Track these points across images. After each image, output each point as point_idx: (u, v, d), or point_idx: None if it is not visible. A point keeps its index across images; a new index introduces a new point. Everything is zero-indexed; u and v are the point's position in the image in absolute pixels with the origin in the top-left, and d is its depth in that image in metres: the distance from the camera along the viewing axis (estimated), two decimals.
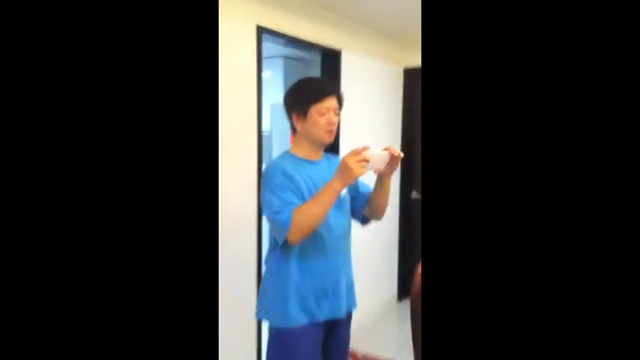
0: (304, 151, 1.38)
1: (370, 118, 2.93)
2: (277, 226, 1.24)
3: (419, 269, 1.37)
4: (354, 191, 1.47)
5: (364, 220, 1.52)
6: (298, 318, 1.32)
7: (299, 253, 1.33)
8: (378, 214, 1.47)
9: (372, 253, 3.12)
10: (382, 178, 1.35)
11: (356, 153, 1.20)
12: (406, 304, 3.48)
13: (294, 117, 1.35)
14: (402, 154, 1.26)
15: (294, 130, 1.40)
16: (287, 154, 1.39)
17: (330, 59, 2.65)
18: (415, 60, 3.38)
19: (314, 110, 1.32)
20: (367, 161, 1.21)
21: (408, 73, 3.42)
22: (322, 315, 1.35)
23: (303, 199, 1.28)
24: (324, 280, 1.35)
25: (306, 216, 1.21)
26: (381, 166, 1.28)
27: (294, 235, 1.22)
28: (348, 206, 1.45)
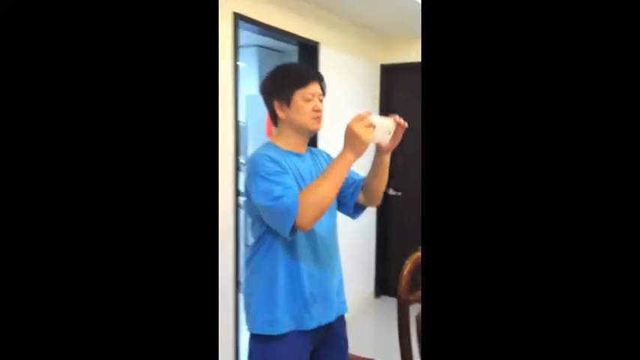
0: (289, 142, 1.27)
1: (347, 113, 2.88)
2: (281, 213, 1.10)
3: (405, 269, 1.34)
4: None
5: (356, 211, 1.40)
6: (285, 324, 1.22)
7: (285, 255, 1.22)
8: (374, 199, 1.36)
9: (350, 249, 3.09)
10: (382, 155, 1.24)
11: (361, 118, 1.11)
12: (384, 301, 3.47)
13: (277, 105, 1.25)
14: (406, 125, 1.17)
15: (274, 120, 1.30)
16: (270, 145, 1.28)
17: (308, 52, 2.59)
18: (392, 56, 3.37)
19: (298, 96, 1.22)
20: (373, 126, 1.11)
21: (385, 70, 3.41)
22: (311, 321, 1.25)
23: (298, 188, 1.17)
24: (313, 283, 1.25)
25: (316, 195, 1.09)
26: (386, 137, 1.18)
27: (306, 218, 1.09)
28: (334, 205, 1.34)
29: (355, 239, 3.17)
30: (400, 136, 1.19)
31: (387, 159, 1.26)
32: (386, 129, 1.16)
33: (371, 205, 1.39)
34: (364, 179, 1.34)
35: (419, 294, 1.34)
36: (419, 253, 1.36)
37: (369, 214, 3.34)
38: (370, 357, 2.57)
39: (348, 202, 1.36)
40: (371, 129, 1.11)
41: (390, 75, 3.42)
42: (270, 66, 1.39)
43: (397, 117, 1.17)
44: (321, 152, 1.41)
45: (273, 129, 1.35)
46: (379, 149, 1.24)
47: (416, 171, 3.31)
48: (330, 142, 1.35)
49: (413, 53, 3.27)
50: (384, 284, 3.54)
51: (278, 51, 3.79)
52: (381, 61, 3.39)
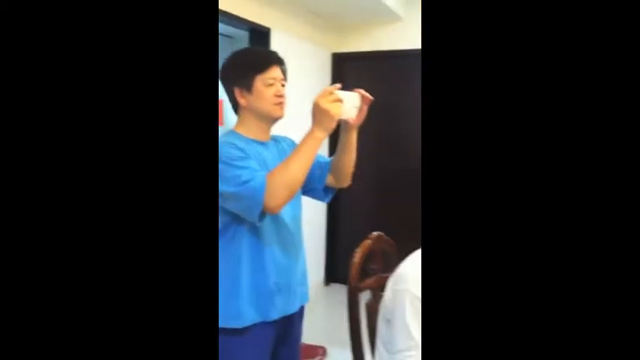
0: (252, 130, 1.23)
1: (298, 101, 2.87)
2: (249, 197, 1.06)
3: (356, 257, 1.36)
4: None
5: (326, 194, 1.38)
6: (249, 317, 1.18)
7: (250, 244, 1.19)
8: (345, 179, 1.33)
9: None
10: (349, 132, 1.22)
11: (328, 92, 1.08)
12: (333, 289, 3.51)
13: (237, 91, 1.20)
14: (372, 98, 1.16)
15: (235, 108, 1.26)
16: (232, 134, 1.23)
17: (259, 38, 2.55)
18: (344, 45, 3.37)
19: (259, 82, 1.19)
20: (340, 101, 1.09)
21: (337, 58, 3.41)
22: (275, 312, 1.22)
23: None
24: (277, 272, 1.22)
25: (286, 175, 1.06)
26: (353, 112, 1.16)
27: (275, 199, 1.05)
28: (298, 191, 1.31)
29: (305, 227, 3.17)
30: (366, 111, 1.18)
31: (354, 135, 1.24)
32: (352, 103, 1.15)
33: (341, 185, 1.36)
34: (332, 161, 1.32)
35: (369, 281, 1.36)
36: (369, 241, 1.38)
37: (319, 202, 3.35)
38: (321, 344, 2.60)
39: (317, 185, 1.34)
40: (339, 103, 1.09)
41: (342, 64, 3.42)
42: (220, 52, 1.35)
43: (362, 91, 1.15)
44: (285, 139, 1.38)
45: (223, 117, 1.31)
46: (346, 126, 1.22)
47: (364, 159, 3.35)
48: (279, 130, 1.32)
49: (365, 42, 3.29)
50: (334, 272, 3.58)
51: (228, 37, 3.70)
52: (333, 49, 3.39)
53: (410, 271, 1.13)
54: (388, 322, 1.14)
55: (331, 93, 1.08)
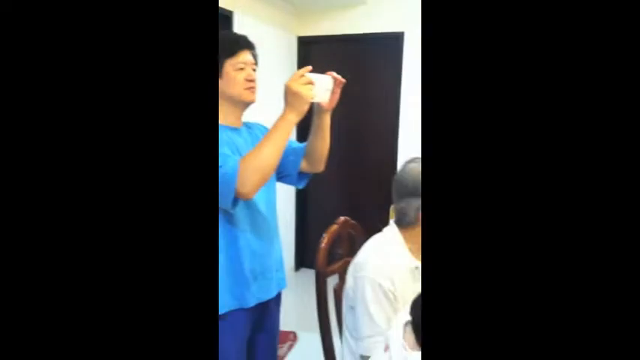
0: (223, 116, 1.20)
1: (264, 85, 2.83)
2: (221, 183, 1.03)
3: (322, 242, 1.36)
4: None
5: (300, 179, 1.37)
6: (226, 303, 1.17)
7: (224, 231, 1.17)
8: (319, 164, 1.32)
9: None
10: (322, 115, 1.22)
11: (300, 75, 1.07)
12: (304, 274, 3.52)
13: None
14: (344, 80, 1.16)
15: None
16: None
17: (221, 21, 2.48)
18: (309, 28, 3.33)
19: (229, 66, 1.17)
20: (312, 84, 1.09)
21: (303, 42, 3.37)
22: (252, 298, 1.21)
23: None
24: (253, 259, 1.21)
25: (258, 159, 1.04)
26: (326, 95, 1.15)
27: (248, 185, 1.03)
28: (272, 177, 1.29)
29: None
30: (339, 94, 1.17)
31: (327, 119, 1.23)
32: (325, 86, 1.14)
33: (316, 170, 1.35)
34: (305, 146, 1.31)
35: (336, 266, 1.37)
36: (336, 226, 1.39)
37: (288, 187, 3.34)
38: (291, 330, 2.61)
39: (291, 171, 1.33)
40: (310, 86, 1.08)
41: (308, 47, 3.39)
42: None
43: (334, 73, 1.15)
44: (258, 125, 1.36)
45: None
46: (319, 109, 1.21)
47: (335, 145, 3.34)
48: (245, 115, 1.29)
49: (330, 26, 3.26)
50: (304, 257, 3.59)
51: None
52: (297, 32, 3.35)
53: (368, 256, 1.14)
54: (352, 309, 1.15)
55: (302, 76, 1.07)
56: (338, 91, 1.17)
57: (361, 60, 3.29)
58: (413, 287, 1.08)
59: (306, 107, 1.07)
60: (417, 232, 1.14)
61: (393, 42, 3.12)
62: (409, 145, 3.13)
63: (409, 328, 0.76)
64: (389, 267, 1.10)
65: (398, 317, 0.86)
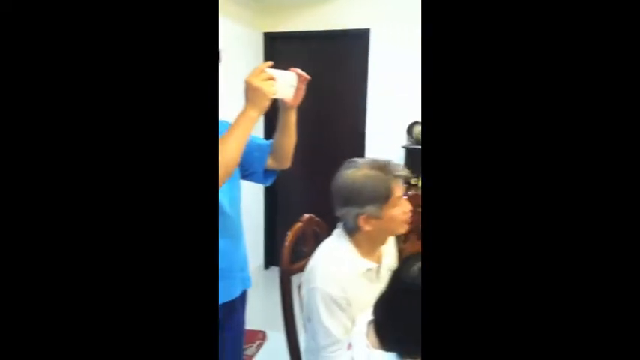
0: None
1: (230, 83, 2.80)
2: None
3: (286, 240, 1.35)
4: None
5: (266, 177, 1.35)
6: None
7: None
8: (285, 161, 1.31)
9: None
10: (287, 112, 1.20)
11: (259, 71, 1.04)
12: (273, 272, 3.50)
13: None
14: (309, 77, 1.13)
15: None
16: None
17: None
18: (275, 25, 3.30)
19: None
20: (273, 79, 1.06)
21: (269, 38, 3.34)
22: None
23: None
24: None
25: (220, 155, 1.01)
26: (289, 91, 1.13)
27: None
28: (236, 175, 1.27)
29: (243, 210, 3.13)
30: (304, 90, 1.15)
31: (293, 115, 1.21)
32: (288, 82, 1.11)
33: (282, 167, 1.33)
34: (272, 142, 1.29)
35: (301, 264, 1.36)
36: (300, 224, 1.38)
37: (256, 185, 3.32)
38: (260, 329, 2.59)
39: (257, 168, 1.30)
40: (271, 82, 1.05)
41: (274, 43, 3.36)
42: None
43: (298, 70, 1.13)
44: (222, 122, 1.34)
45: None
46: (284, 106, 1.19)
47: (303, 142, 3.34)
48: None
49: (294, 22, 3.24)
50: (273, 255, 3.57)
51: None
52: (263, 29, 3.32)
53: (317, 266, 1.12)
54: (309, 319, 1.14)
55: (262, 71, 1.05)
56: (303, 87, 1.15)
57: (328, 56, 3.29)
58: (370, 288, 1.05)
59: (267, 103, 1.05)
60: (363, 236, 1.13)
61: (359, 38, 3.12)
62: (376, 141, 3.15)
63: (372, 327, 0.76)
64: (339, 275, 1.08)
65: (361, 316, 0.85)
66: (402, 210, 1.13)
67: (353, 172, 1.10)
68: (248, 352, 2.42)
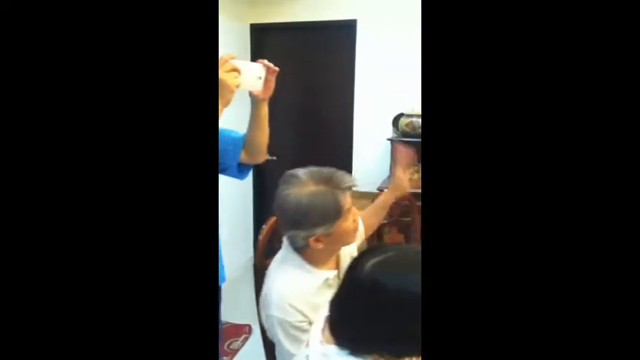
0: None
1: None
2: None
3: (260, 235, 1.33)
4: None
5: (241, 171, 1.32)
6: None
7: None
8: (259, 154, 1.28)
9: (227, 215, 3.03)
10: (259, 105, 1.17)
11: (222, 62, 1.01)
12: None
13: None
14: (277, 69, 1.11)
15: None
16: None
17: None
18: (262, 16, 3.27)
19: None
20: (237, 71, 1.03)
21: (256, 30, 3.31)
22: None
23: None
24: None
25: None
26: (257, 83, 1.10)
27: None
28: None
29: (233, 204, 3.12)
30: (273, 83, 1.13)
31: (264, 108, 1.19)
32: (254, 73, 1.09)
33: (255, 161, 1.31)
34: (245, 136, 1.27)
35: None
36: (274, 218, 1.36)
37: (246, 179, 3.30)
38: (246, 323, 2.59)
39: (231, 162, 1.28)
40: (235, 73, 1.03)
41: (260, 35, 3.33)
42: None
43: (265, 61, 1.10)
44: None
45: None
46: (255, 99, 1.17)
47: (290, 134, 3.32)
48: None
49: (281, 13, 3.21)
50: None
51: None
52: (250, 20, 3.28)
53: (271, 292, 1.05)
54: (273, 342, 1.09)
55: (226, 62, 1.02)
56: (272, 79, 1.13)
57: (315, 47, 3.26)
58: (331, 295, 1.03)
59: (230, 95, 1.02)
60: (313, 252, 1.05)
61: (346, 29, 3.09)
62: (363, 134, 3.13)
63: (327, 324, 0.75)
64: (294, 300, 1.00)
65: (319, 314, 0.84)
66: (352, 219, 1.05)
67: (297, 191, 0.99)
68: (234, 345, 2.42)
